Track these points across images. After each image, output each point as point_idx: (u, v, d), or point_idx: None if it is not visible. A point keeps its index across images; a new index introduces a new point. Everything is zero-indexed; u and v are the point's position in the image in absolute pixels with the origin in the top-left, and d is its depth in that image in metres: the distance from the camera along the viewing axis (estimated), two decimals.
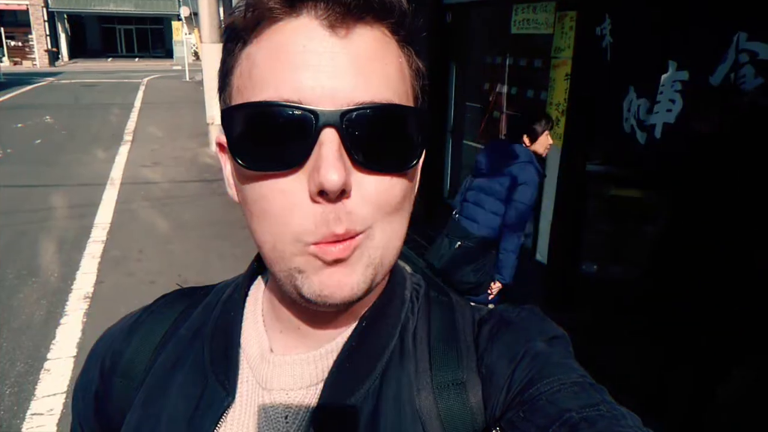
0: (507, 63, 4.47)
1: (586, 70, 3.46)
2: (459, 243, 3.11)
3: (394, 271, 0.62)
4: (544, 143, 3.11)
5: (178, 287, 0.73)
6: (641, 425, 0.49)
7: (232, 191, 0.57)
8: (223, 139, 0.53)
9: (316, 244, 0.49)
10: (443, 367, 0.57)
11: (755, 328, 2.42)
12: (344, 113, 0.47)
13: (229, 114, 0.51)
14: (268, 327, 0.60)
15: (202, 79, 10.49)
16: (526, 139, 3.07)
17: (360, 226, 0.49)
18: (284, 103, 0.48)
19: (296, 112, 0.47)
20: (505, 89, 4.51)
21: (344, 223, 0.48)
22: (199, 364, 0.60)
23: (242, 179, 0.52)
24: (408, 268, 0.69)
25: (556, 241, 3.87)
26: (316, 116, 0.47)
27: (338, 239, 0.48)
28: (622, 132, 3.22)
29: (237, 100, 0.52)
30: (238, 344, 0.60)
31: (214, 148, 9.49)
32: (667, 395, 2.68)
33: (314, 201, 0.48)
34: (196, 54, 24.67)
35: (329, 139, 0.47)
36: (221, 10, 9.25)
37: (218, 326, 0.62)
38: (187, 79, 20.81)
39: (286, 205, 0.49)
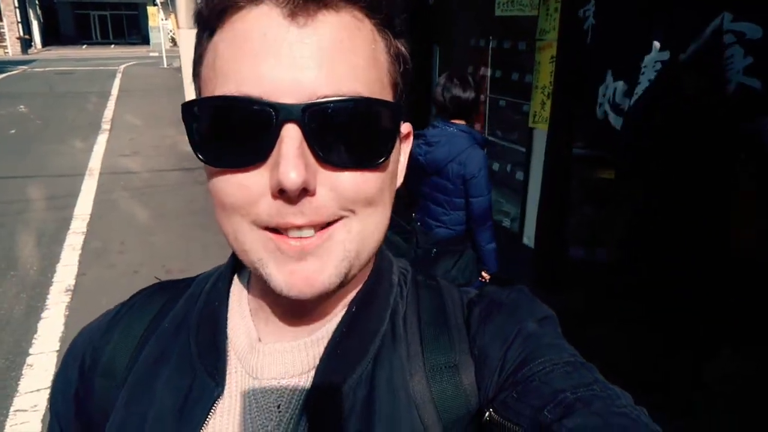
0: (491, 45, 4.43)
1: (571, 53, 3.43)
2: (434, 250, 3.00)
3: (380, 256, 0.62)
4: (476, 114, 2.94)
5: (157, 281, 0.71)
6: (633, 403, 0.49)
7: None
8: None
9: (274, 231, 0.48)
10: (435, 350, 0.57)
11: (749, 318, 2.45)
12: (306, 107, 0.45)
13: (188, 108, 0.49)
14: (254, 316, 0.59)
15: (180, 66, 10.31)
16: (466, 114, 2.87)
17: (329, 218, 0.48)
18: (243, 97, 0.45)
19: (256, 107, 0.45)
20: (489, 72, 4.48)
21: (307, 215, 0.47)
22: (185, 357, 0.58)
23: (207, 172, 0.51)
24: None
25: (543, 224, 3.87)
26: (277, 111, 0.45)
27: (298, 227, 0.47)
28: (607, 114, 3.22)
29: (203, 92, 0.50)
30: (225, 334, 0.58)
31: None
32: (658, 380, 2.70)
33: (275, 197, 0.46)
34: (173, 40, 24.23)
35: (290, 136, 0.45)
36: None
37: (203, 317, 0.60)
38: (165, 65, 20.45)
39: (245, 198, 0.47)
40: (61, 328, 3.84)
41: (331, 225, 0.49)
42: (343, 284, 0.52)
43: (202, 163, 0.50)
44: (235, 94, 0.46)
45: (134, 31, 36.98)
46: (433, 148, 2.86)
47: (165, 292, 0.67)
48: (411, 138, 0.61)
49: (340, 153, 0.47)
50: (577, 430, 0.45)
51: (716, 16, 2.50)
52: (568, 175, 3.68)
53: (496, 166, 4.53)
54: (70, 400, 0.63)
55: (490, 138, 4.53)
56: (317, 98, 0.46)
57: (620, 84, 3.06)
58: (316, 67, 0.46)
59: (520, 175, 4.17)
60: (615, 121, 3.08)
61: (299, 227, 0.47)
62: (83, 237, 5.37)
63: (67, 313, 4.03)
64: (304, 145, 0.46)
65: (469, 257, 3.02)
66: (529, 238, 4.08)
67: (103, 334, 0.64)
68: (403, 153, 0.59)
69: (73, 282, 4.49)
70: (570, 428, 0.46)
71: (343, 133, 0.47)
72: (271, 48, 0.45)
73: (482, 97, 4.53)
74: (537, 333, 0.56)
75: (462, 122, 2.88)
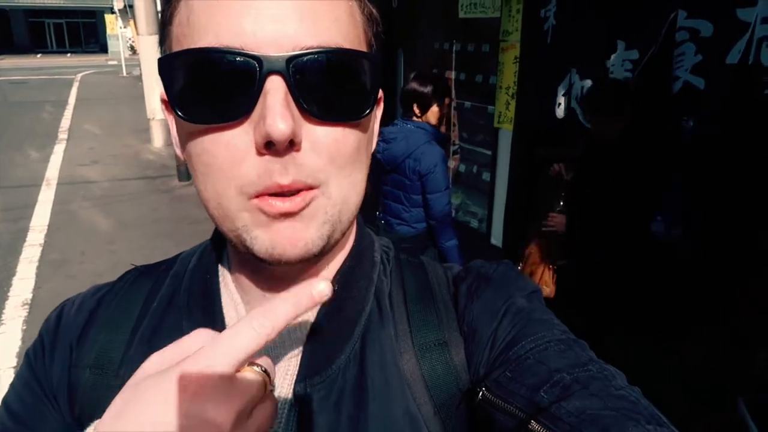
0: (455, 48, 4.46)
1: (534, 53, 3.48)
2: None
3: (361, 234, 0.61)
4: (435, 113, 2.90)
5: (133, 266, 0.68)
6: (627, 382, 0.49)
7: (178, 150, 0.53)
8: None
9: (258, 196, 0.46)
10: (423, 328, 0.56)
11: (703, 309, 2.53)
12: (290, 59, 0.44)
13: (166, 63, 0.47)
14: (240, 297, 0.57)
15: (141, 74, 10.10)
16: (416, 109, 2.87)
17: (311, 179, 0.46)
18: (225, 49, 0.44)
19: (238, 59, 0.44)
20: (454, 74, 4.50)
21: (291, 174, 0.45)
22: (179, 336, 0.54)
23: (186, 134, 0.49)
24: None
25: (510, 224, 3.89)
26: (260, 63, 0.44)
27: (283, 191, 0.46)
28: (572, 112, 3.27)
29: (176, 49, 0.48)
30: (221, 312, 0.56)
31: (156, 144, 9.19)
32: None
33: (260, 153, 0.45)
34: (132, 48, 23.75)
35: (275, 87, 0.44)
36: (157, 0, 8.89)
37: (195, 293, 0.58)
38: (125, 74, 20.05)
39: (230, 158, 0.46)
40: (19, 343, 3.68)
41: (309, 191, 0.47)
42: (326, 250, 0.50)
43: (185, 123, 0.48)
44: (216, 46, 0.44)
45: (92, 40, 36.20)
46: (390, 144, 2.86)
47: (148, 276, 0.64)
48: (382, 104, 0.60)
49: (324, 105, 0.46)
50: (577, 413, 0.44)
51: (671, 13, 2.56)
52: (534, 174, 3.71)
53: (462, 168, 4.55)
54: (65, 393, 0.58)
55: (457, 142, 4.55)
56: (300, 49, 0.45)
57: (587, 82, 3.11)
58: (299, 18, 0.45)
59: (486, 176, 4.20)
60: (582, 118, 3.12)
61: (284, 190, 0.46)
62: (41, 249, 5.18)
63: (24, 327, 3.88)
64: (289, 97, 0.45)
65: (429, 256, 3.00)
66: (496, 238, 4.10)
67: (91, 324, 0.60)
68: (376, 118, 0.58)
69: (30, 296, 4.32)
70: (570, 411, 0.45)
71: (327, 84, 0.46)
72: (253, 1, 0.44)
73: (447, 100, 4.55)
74: (527, 308, 0.55)
75: (423, 120, 2.89)
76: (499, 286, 0.58)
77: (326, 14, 0.47)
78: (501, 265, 0.61)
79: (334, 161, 0.48)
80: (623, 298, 2.65)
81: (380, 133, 2.66)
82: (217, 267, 0.60)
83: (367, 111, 0.50)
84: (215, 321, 0.55)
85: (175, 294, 0.60)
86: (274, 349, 0.54)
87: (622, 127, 2.59)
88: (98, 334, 0.59)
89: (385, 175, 2.96)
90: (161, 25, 0.51)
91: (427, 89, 2.85)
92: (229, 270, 0.59)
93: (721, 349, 2.54)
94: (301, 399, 0.51)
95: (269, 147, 0.44)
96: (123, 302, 0.62)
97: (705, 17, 2.45)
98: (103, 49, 32.17)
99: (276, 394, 0.52)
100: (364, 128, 0.52)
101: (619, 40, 2.86)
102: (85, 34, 36.59)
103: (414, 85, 2.86)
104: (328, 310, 0.55)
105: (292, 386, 0.52)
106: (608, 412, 0.44)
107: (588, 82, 3.11)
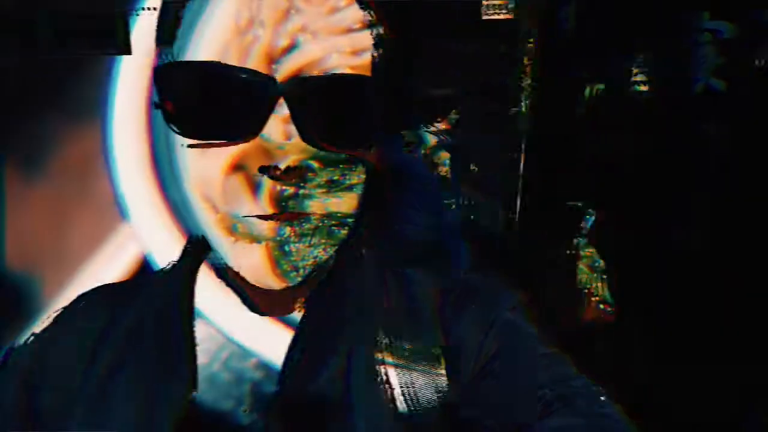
0: (470, 49, 4.46)
1: (552, 55, 3.46)
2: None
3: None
4: (449, 117, 2.95)
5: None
6: (610, 399, 0.49)
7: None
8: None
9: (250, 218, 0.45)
10: (408, 339, 0.54)
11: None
12: (300, 81, 0.43)
13: (167, 72, 0.46)
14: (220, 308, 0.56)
15: None
16: (428, 112, 2.91)
17: (309, 206, 0.46)
18: (233, 65, 0.43)
19: (244, 76, 0.42)
20: (469, 76, 4.50)
21: (289, 199, 0.44)
22: (147, 360, 0.54)
23: (180, 145, 0.47)
24: None
25: (525, 228, 3.86)
26: (266, 84, 0.42)
27: (277, 215, 0.45)
28: (588, 114, 3.24)
29: (181, 57, 0.47)
30: (189, 333, 0.54)
31: None
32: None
33: (258, 175, 0.44)
34: None
35: (282, 110, 0.43)
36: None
37: (163, 316, 0.56)
38: None
39: (226, 176, 0.45)
40: None
41: (308, 216, 0.47)
42: (310, 275, 0.50)
43: (181, 137, 0.46)
44: (223, 61, 0.43)
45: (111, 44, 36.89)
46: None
47: (113, 294, 0.62)
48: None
49: (331, 131, 0.45)
50: (558, 431, 0.44)
51: (696, 15, 2.55)
52: (549, 176, 3.68)
53: (476, 170, 4.54)
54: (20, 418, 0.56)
55: (473, 146, 4.54)
56: (309, 73, 0.44)
57: (601, 86, 3.09)
58: (309, 41, 0.44)
59: (502, 178, 4.19)
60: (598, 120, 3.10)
61: (278, 215, 0.45)
62: None
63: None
64: (296, 120, 0.43)
65: (437, 261, 3.00)
66: (511, 241, 4.07)
67: (52, 345, 0.58)
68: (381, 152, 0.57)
69: None
70: (552, 428, 0.44)
71: (336, 110, 0.45)
72: (263, 18, 0.43)
73: (461, 103, 4.54)
74: (513, 321, 0.56)
75: (435, 123, 2.88)
76: (487, 298, 0.57)
77: (337, 40, 0.46)
78: (489, 277, 0.61)
79: (337, 189, 0.47)
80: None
81: None
82: (190, 287, 0.57)
83: (370, 142, 0.49)
84: (182, 348, 0.53)
85: (140, 322, 0.57)
86: (256, 366, 0.53)
87: (635, 139, 2.56)
88: (58, 355, 0.57)
89: None
90: (171, 24, 0.49)
91: (441, 92, 2.85)
92: (213, 281, 0.57)
93: (727, 359, 2.50)
94: (285, 416, 0.50)
95: (271, 171, 0.43)
96: (84, 320, 0.59)
97: (728, 19, 2.45)
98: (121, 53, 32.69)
99: (258, 411, 0.51)
100: (372, 158, 0.51)
101: (639, 41, 2.84)
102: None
103: (427, 88, 2.85)
104: (312, 325, 0.54)
105: (271, 405, 0.51)
106: (591, 430, 0.44)
107: (604, 86, 3.09)
